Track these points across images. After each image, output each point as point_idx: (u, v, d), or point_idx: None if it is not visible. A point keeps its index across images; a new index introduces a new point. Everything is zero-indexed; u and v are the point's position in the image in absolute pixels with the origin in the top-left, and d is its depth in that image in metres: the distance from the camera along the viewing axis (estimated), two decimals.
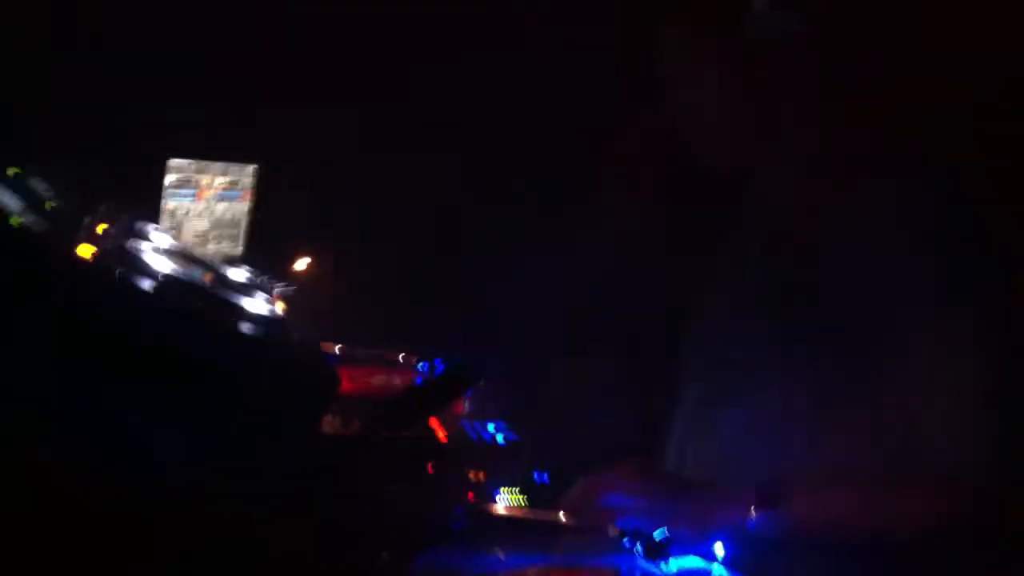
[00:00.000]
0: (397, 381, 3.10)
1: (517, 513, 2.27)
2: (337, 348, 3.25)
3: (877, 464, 2.02)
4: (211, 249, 4.07)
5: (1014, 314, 1.99)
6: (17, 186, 2.46)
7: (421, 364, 3.22)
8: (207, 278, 2.59)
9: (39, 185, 2.53)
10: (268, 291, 2.90)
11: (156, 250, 2.54)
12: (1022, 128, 2.50)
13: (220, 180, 4.15)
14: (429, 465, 2.48)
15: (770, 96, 2.18)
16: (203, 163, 4.05)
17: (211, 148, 3.97)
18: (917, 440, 1.94)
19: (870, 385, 2.01)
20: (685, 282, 2.44)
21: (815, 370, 2.06)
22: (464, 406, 2.93)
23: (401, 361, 3.25)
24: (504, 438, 2.81)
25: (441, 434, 2.73)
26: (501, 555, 1.91)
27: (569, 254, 3.17)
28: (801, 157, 2.23)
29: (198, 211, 4.07)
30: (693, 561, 1.96)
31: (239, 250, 4.28)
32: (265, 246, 4.27)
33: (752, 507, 2.02)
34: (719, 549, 1.93)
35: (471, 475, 2.49)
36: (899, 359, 1.96)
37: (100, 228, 2.56)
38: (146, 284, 2.24)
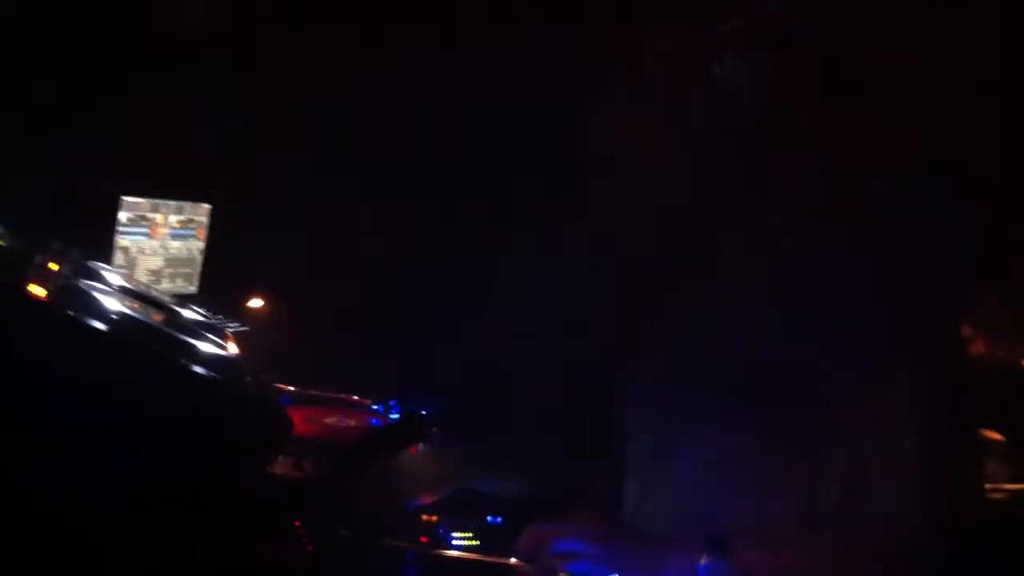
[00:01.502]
0: (351, 423, 3.09)
1: (469, 557, 2.26)
2: (290, 389, 3.23)
3: (823, 519, 2.04)
4: (165, 287, 4.05)
5: (949, 376, 2.04)
6: None
7: (375, 406, 3.21)
8: (159, 318, 2.57)
9: None
10: (221, 331, 2.89)
11: (108, 289, 2.52)
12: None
13: (174, 218, 4.14)
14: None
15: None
16: (157, 201, 4.04)
17: (166, 186, 3.97)
18: (860, 497, 1.97)
19: (817, 445, 2.04)
20: (637, 339, 2.46)
21: (764, 421, 2.09)
22: (419, 450, 2.92)
23: (355, 403, 3.23)
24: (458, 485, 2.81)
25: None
26: None
27: (523, 303, 3.19)
28: (741, 225, 2.26)
29: (152, 248, 4.05)
30: None
31: (193, 288, 4.26)
32: (220, 285, 4.25)
33: (702, 557, 2.04)
34: None
35: (424, 518, 2.48)
36: (843, 421, 2.00)
37: (52, 266, 2.54)
38: (97, 324, 2.21)
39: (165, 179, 4.03)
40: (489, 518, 2.38)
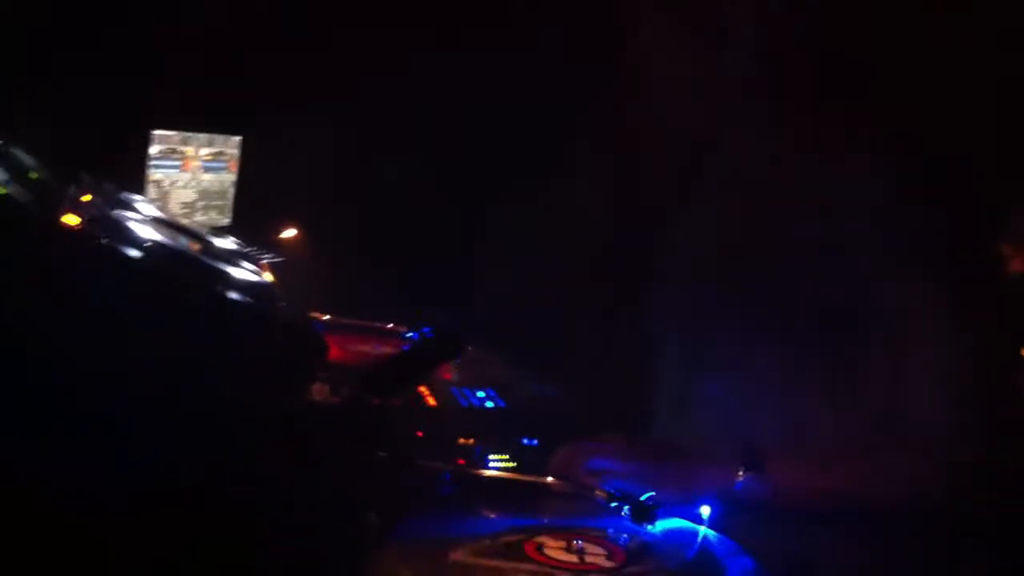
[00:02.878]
0: (385, 350, 3.11)
1: (504, 476, 2.29)
2: (325, 317, 3.25)
3: (861, 430, 2.04)
4: (198, 219, 4.08)
5: (990, 282, 2.02)
6: (1, 157, 2.45)
7: (410, 333, 3.22)
8: (194, 246, 2.59)
9: (23, 156, 2.52)
10: (256, 260, 2.90)
11: (142, 219, 2.54)
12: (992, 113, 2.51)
13: (205, 151, 4.15)
14: (418, 431, 2.49)
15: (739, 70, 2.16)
16: (187, 134, 4.05)
17: (197, 118, 3.98)
18: (899, 405, 1.97)
19: (853, 353, 2.03)
20: (665, 253, 2.44)
21: (799, 338, 2.07)
22: (453, 372, 2.94)
23: (389, 330, 3.25)
24: (494, 404, 2.82)
25: (430, 400, 2.74)
26: (490, 516, 1.92)
27: (550, 231, 3.18)
28: (773, 134, 2.22)
29: (184, 181, 4.07)
30: (680, 523, 1.98)
31: (227, 220, 4.28)
32: (253, 216, 4.28)
33: (739, 471, 2.04)
34: (705, 512, 1.95)
35: (460, 441, 2.50)
36: (879, 329, 1.98)
37: (85, 198, 2.55)
38: (132, 252, 2.23)
39: (196, 111, 4.04)
40: (525, 440, 2.39)
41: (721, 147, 2.26)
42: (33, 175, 2.50)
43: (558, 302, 3.04)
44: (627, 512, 1.99)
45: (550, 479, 2.17)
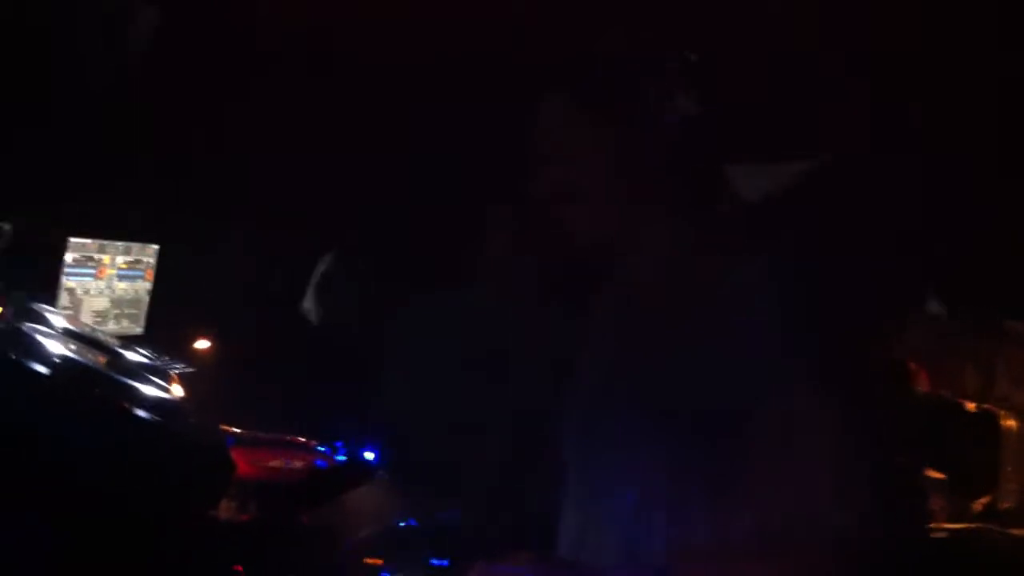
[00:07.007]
0: (297, 464, 3.08)
1: None
2: (236, 430, 3.22)
3: (763, 535, 2.06)
4: (111, 328, 4.04)
5: (879, 382, 2.10)
6: None
7: (322, 447, 3.21)
8: (102, 360, 2.57)
9: None
10: (166, 373, 2.88)
11: (51, 332, 2.51)
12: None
13: (121, 259, 4.13)
14: (325, 550, 2.47)
15: (637, 179, 2.20)
16: (104, 242, 4.03)
17: (113, 228, 3.97)
18: (798, 508, 2.00)
19: (748, 459, 2.06)
20: (560, 366, 2.47)
21: (693, 448, 2.10)
22: (364, 490, 2.93)
23: (302, 444, 3.23)
24: (404, 523, 2.81)
25: (338, 518, 2.72)
26: None
27: (457, 339, 3.22)
28: (666, 241, 2.25)
29: (98, 289, 4.04)
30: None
31: (139, 329, 4.25)
32: (167, 325, 4.25)
33: None
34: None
35: (367, 561, 2.49)
36: (773, 432, 2.02)
37: None
38: (40, 368, 2.21)
39: (113, 220, 4.03)
40: (434, 560, 2.39)
41: (616, 252, 2.27)
42: None
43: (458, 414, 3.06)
44: None
45: None
